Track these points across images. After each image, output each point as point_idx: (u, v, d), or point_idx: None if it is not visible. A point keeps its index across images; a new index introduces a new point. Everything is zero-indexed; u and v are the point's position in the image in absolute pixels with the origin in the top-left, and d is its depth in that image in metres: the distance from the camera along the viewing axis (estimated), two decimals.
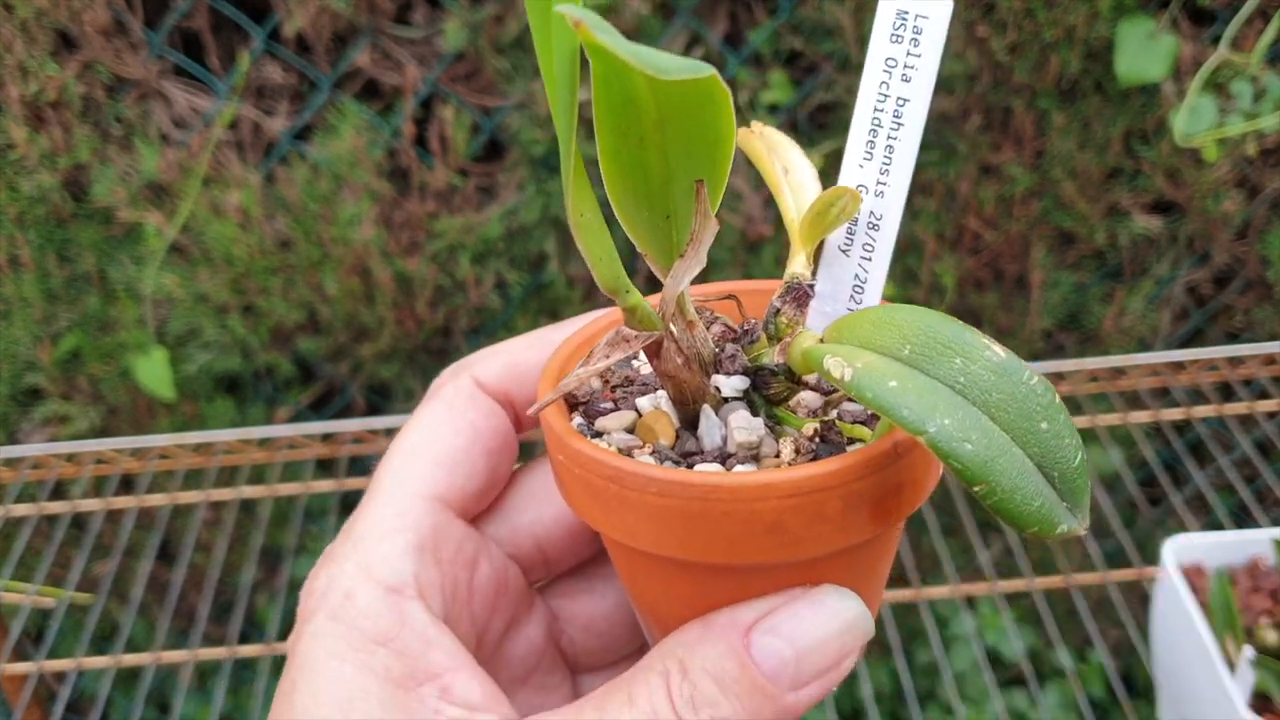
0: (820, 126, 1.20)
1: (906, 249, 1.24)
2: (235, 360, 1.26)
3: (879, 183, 0.31)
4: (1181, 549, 0.93)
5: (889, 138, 0.30)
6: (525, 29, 1.13)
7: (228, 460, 1.01)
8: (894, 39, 0.29)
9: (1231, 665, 0.84)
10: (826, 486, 0.28)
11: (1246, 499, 0.99)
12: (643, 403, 0.33)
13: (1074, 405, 1.05)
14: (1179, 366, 1.00)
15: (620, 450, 0.31)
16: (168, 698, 1.41)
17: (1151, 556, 0.97)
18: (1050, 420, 0.26)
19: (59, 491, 1.02)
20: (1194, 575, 0.93)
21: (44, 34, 1.11)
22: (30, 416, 1.28)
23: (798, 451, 0.30)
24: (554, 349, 0.34)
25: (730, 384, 0.32)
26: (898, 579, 0.98)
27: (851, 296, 0.32)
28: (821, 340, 0.29)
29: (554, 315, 1.27)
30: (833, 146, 1.16)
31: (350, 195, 1.18)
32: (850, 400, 0.32)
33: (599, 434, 0.32)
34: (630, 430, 0.32)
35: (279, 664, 0.88)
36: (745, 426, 0.31)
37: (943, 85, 1.14)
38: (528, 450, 0.37)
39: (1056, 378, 0.99)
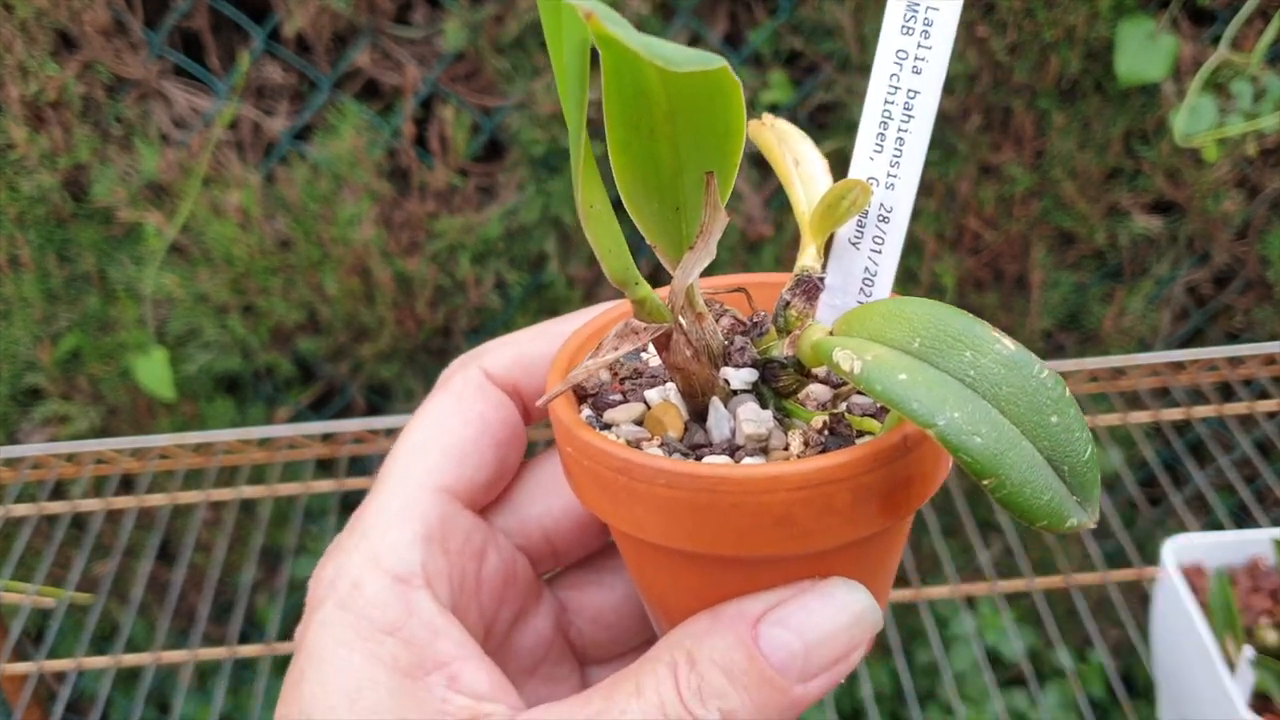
0: (820, 126, 1.20)
1: (906, 249, 1.24)
2: (235, 360, 1.26)
3: (889, 175, 0.31)
4: (1181, 549, 0.93)
5: (900, 130, 0.30)
6: (525, 29, 1.13)
7: (228, 460, 1.01)
8: (905, 31, 0.29)
9: (1231, 665, 0.84)
10: (835, 479, 0.28)
11: (1246, 499, 0.99)
12: (651, 395, 0.33)
13: None
14: (1179, 366, 1.00)
15: (629, 442, 0.31)
16: (168, 698, 1.41)
17: (1151, 556, 0.97)
18: (1060, 414, 0.26)
19: (59, 491, 1.02)
20: (1194, 575, 0.93)
21: (44, 34, 1.11)
22: (30, 416, 1.27)
23: (806, 444, 0.30)
24: (563, 341, 0.35)
25: (739, 376, 0.32)
26: (898, 579, 0.98)
27: (861, 289, 0.32)
28: (831, 333, 0.29)
29: (554, 315, 1.27)
30: (833, 146, 1.16)
31: (350, 195, 1.18)
32: (859, 393, 0.32)
33: (607, 426, 0.32)
34: (639, 422, 0.32)
35: (279, 664, 0.87)
36: (754, 419, 0.31)
37: (943, 85, 1.14)
38: (528, 449, 0.38)
39: None
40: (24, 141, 1.14)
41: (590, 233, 0.29)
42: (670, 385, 0.33)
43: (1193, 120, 1.06)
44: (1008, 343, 0.27)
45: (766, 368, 0.32)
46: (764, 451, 0.31)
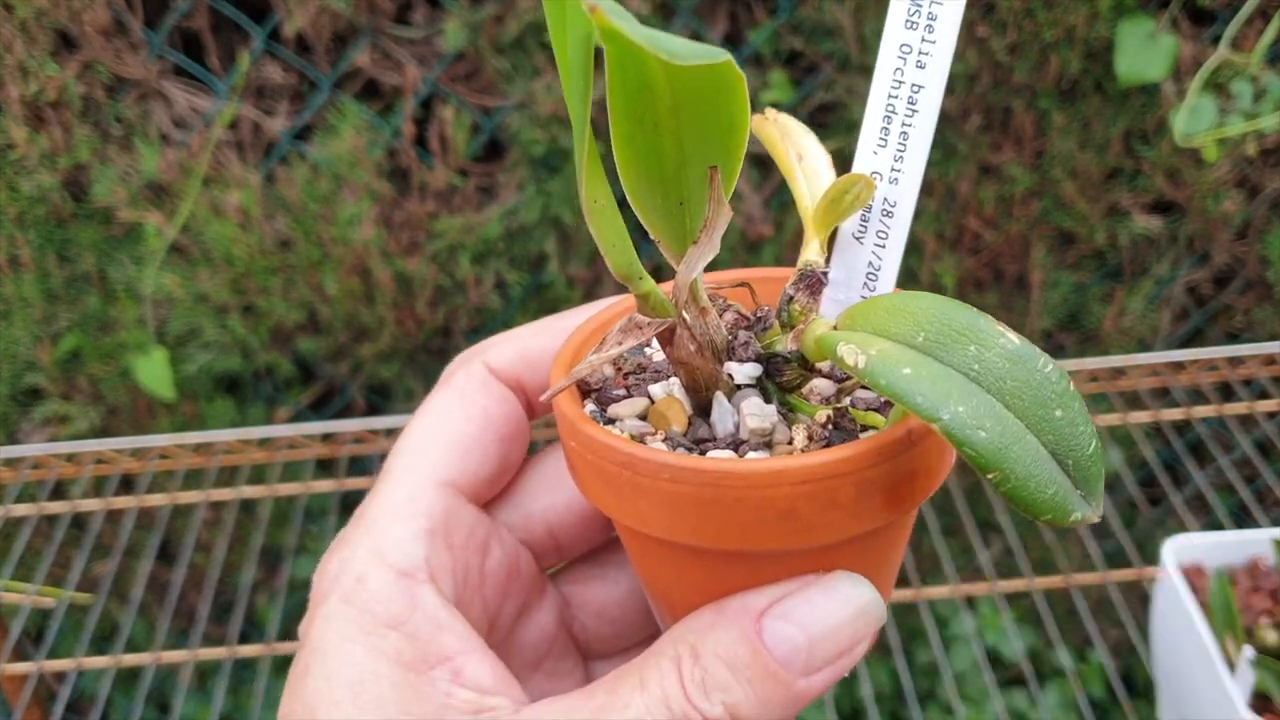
0: (820, 126, 1.20)
1: (907, 249, 1.24)
2: (235, 360, 1.26)
3: (893, 169, 0.31)
4: (1181, 549, 0.93)
5: (904, 125, 0.30)
6: (525, 29, 1.13)
7: (228, 460, 1.01)
8: (909, 25, 0.29)
9: (1231, 665, 0.84)
10: (839, 473, 0.28)
11: (1246, 499, 0.99)
12: (655, 389, 0.33)
13: None
14: (1179, 366, 1.00)
15: (633, 437, 0.31)
16: (168, 698, 1.41)
17: (1151, 556, 0.97)
18: (1065, 408, 0.26)
19: (59, 491, 1.02)
20: (1194, 575, 0.93)
21: (44, 34, 1.11)
22: (30, 416, 1.27)
23: (810, 438, 0.30)
24: (566, 336, 0.35)
25: (743, 371, 0.32)
26: (898, 579, 0.98)
27: (865, 284, 0.32)
28: (835, 327, 0.29)
29: None
30: (834, 146, 1.16)
31: (350, 195, 1.18)
32: (864, 387, 0.32)
33: (611, 420, 0.32)
34: (643, 417, 0.32)
35: (279, 664, 0.87)
36: (758, 413, 0.31)
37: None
38: (529, 450, 0.37)
39: None
40: (24, 141, 1.14)
41: (594, 228, 0.29)
42: (674, 380, 0.33)
43: (1193, 120, 1.06)
44: (1012, 337, 0.27)
45: (770, 362, 0.32)
46: (768, 446, 0.31)
